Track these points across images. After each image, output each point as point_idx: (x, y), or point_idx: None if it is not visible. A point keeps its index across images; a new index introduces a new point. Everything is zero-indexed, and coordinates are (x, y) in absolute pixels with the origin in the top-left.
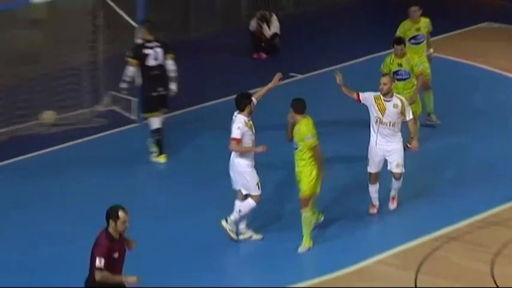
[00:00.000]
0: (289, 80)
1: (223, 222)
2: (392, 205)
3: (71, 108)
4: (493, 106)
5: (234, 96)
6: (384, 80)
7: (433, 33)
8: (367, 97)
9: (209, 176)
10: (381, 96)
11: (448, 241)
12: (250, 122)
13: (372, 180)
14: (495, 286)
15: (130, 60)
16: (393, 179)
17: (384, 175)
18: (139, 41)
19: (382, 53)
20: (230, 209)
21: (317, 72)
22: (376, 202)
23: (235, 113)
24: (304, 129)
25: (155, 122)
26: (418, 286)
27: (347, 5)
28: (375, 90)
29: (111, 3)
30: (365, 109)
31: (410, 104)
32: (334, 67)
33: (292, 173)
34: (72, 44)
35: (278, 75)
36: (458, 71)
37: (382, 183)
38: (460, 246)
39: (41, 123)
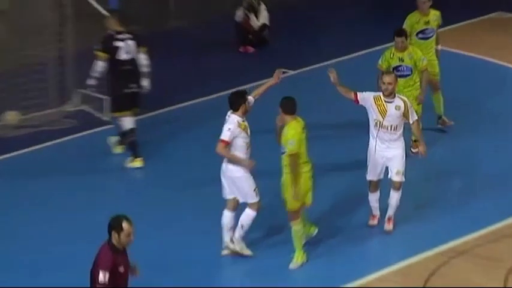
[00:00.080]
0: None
1: (231, 245)
2: (389, 226)
3: (36, 108)
4: (504, 107)
5: (216, 95)
6: (388, 79)
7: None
8: (366, 97)
9: (190, 182)
10: (381, 97)
11: (456, 256)
12: (245, 123)
13: (371, 188)
14: None
15: (99, 53)
16: (392, 190)
17: (385, 182)
18: (109, 32)
19: (383, 46)
20: (214, 218)
21: (310, 67)
22: (376, 212)
23: (229, 113)
24: (291, 132)
25: (128, 121)
26: None
27: None
28: (374, 89)
29: None
30: (365, 109)
31: (418, 104)
32: (329, 62)
33: None
34: (37, 36)
35: (279, 72)
36: (466, 66)
37: (383, 191)
38: (469, 261)
39: (3, 125)
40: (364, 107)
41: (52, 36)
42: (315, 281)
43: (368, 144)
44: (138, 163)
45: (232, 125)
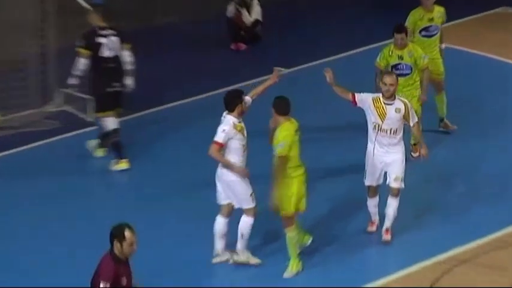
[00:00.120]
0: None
1: (235, 257)
2: (387, 237)
3: (16, 108)
4: (509, 106)
5: (206, 95)
6: (390, 80)
7: None
8: (364, 99)
9: (178, 185)
10: (381, 99)
11: (458, 264)
12: (242, 124)
13: (370, 193)
14: None
15: (81, 50)
16: (389, 197)
17: (384, 186)
18: (91, 28)
19: (382, 43)
20: (204, 222)
21: (306, 65)
22: (375, 217)
23: (224, 113)
24: (282, 134)
25: (111, 122)
26: None
27: None
28: (372, 88)
29: None
30: (363, 110)
31: (420, 104)
32: (325, 60)
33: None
34: (17, 33)
35: (277, 71)
36: (469, 64)
37: (382, 196)
38: (473, 270)
39: None
40: (362, 109)
41: (33, 33)
42: None
43: (366, 147)
44: (123, 165)
45: (227, 126)
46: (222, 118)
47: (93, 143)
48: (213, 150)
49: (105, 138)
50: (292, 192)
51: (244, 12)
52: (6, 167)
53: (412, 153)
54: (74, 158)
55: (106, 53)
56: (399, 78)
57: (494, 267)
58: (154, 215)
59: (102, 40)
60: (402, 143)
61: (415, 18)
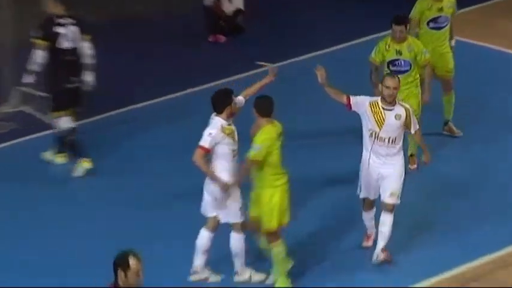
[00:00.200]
0: (256, 70)
1: (236, 278)
2: (383, 255)
3: None
4: None
5: (181, 93)
6: (392, 83)
7: None
8: (361, 103)
9: (149, 195)
10: (379, 103)
11: (460, 284)
12: (232, 127)
13: (365, 207)
14: None
15: (37, 41)
16: (383, 213)
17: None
18: (49, 16)
19: (378, 35)
20: (181, 237)
21: (293, 60)
22: (371, 231)
23: (213, 115)
24: (262, 137)
25: (66, 121)
26: None
27: None
28: (368, 87)
29: None
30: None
31: (423, 104)
32: (314, 53)
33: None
34: None
35: (273, 69)
36: (477, 57)
37: (378, 205)
38: None
39: None
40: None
41: None
42: None
43: (361, 156)
44: (86, 164)
45: (215, 130)
46: (210, 120)
47: (47, 154)
48: (197, 156)
49: (63, 141)
50: (274, 203)
51: (224, 0)
52: None
53: (409, 166)
54: (32, 164)
55: (64, 44)
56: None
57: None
58: (118, 225)
59: (60, 30)
60: (402, 153)
61: (422, 8)
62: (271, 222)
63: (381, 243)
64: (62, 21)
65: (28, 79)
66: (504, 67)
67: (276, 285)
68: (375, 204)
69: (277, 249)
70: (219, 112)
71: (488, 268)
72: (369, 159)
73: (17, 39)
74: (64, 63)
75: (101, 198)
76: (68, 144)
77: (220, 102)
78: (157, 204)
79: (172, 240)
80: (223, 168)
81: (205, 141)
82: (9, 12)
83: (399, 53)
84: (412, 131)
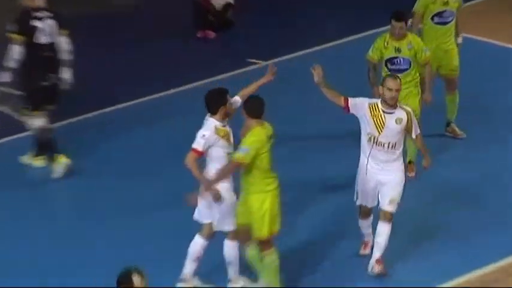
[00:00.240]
0: (247, 68)
1: (229, 285)
2: (378, 267)
3: None
4: None
5: (167, 93)
6: (395, 84)
7: None
8: (359, 105)
9: (126, 197)
10: (379, 105)
11: None
12: (226, 128)
13: (362, 214)
14: None
15: (14, 36)
16: (380, 222)
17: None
18: (25, 9)
19: (375, 31)
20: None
21: (286, 57)
22: (369, 238)
23: (207, 116)
24: (251, 139)
25: (41, 120)
26: None
27: None
28: (366, 87)
29: None
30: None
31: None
32: (309, 50)
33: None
34: None
35: (273, 67)
36: (483, 55)
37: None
38: None
39: None
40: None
41: None
42: None
43: (359, 160)
44: (63, 160)
45: (208, 131)
46: (204, 121)
47: (25, 158)
48: (189, 159)
49: (41, 143)
50: (265, 209)
51: None
52: None
53: (407, 174)
54: (9, 168)
55: (42, 39)
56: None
57: None
58: (98, 228)
59: (37, 24)
60: (402, 159)
61: (426, 1)
62: (262, 230)
63: (376, 254)
64: (39, 14)
65: (4, 77)
66: (509, 64)
67: None
68: (372, 212)
69: (270, 258)
70: (213, 113)
71: (491, 278)
72: (366, 164)
73: None
74: (41, 59)
75: (82, 199)
76: (44, 144)
77: (214, 102)
78: (139, 207)
79: (144, 245)
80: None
81: (198, 144)
82: None
83: (398, 50)
84: (413, 136)
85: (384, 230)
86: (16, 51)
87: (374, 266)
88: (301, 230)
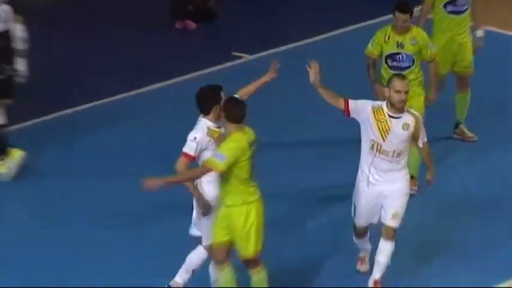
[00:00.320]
0: (232, 63)
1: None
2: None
3: None
4: None
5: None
6: (401, 85)
7: None
8: (361, 108)
9: (90, 203)
10: (384, 109)
11: None
12: (221, 130)
13: (357, 236)
14: None
15: None
16: (382, 239)
17: None
18: None
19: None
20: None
21: (274, 50)
22: (365, 254)
23: (200, 117)
24: (229, 145)
25: None
26: None
27: None
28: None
29: None
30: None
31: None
32: (300, 43)
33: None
34: None
35: (275, 64)
36: (498, 48)
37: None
38: None
39: None
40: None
41: None
42: None
43: (357, 172)
44: (16, 153)
45: (200, 133)
46: (197, 122)
47: None
48: (180, 165)
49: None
50: (249, 224)
51: None
52: None
53: (411, 187)
54: None
55: None
56: (396, 72)
57: None
58: (59, 230)
59: None
60: (407, 169)
61: None
62: (247, 249)
63: (376, 275)
64: None
65: None
66: None
67: None
68: (369, 229)
69: (258, 277)
70: (205, 113)
71: None
72: (368, 176)
73: None
74: None
75: (43, 200)
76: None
77: (207, 101)
78: (101, 209)
79: (116, 249)
80: (210, 178)
81: (189, 148)
82: None
83: (401, 45)
84: (420, 144)
85: (386, 248)
86: None
87: (371, 283)
88: (292, 245)
